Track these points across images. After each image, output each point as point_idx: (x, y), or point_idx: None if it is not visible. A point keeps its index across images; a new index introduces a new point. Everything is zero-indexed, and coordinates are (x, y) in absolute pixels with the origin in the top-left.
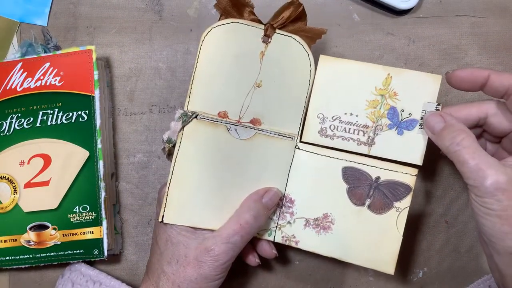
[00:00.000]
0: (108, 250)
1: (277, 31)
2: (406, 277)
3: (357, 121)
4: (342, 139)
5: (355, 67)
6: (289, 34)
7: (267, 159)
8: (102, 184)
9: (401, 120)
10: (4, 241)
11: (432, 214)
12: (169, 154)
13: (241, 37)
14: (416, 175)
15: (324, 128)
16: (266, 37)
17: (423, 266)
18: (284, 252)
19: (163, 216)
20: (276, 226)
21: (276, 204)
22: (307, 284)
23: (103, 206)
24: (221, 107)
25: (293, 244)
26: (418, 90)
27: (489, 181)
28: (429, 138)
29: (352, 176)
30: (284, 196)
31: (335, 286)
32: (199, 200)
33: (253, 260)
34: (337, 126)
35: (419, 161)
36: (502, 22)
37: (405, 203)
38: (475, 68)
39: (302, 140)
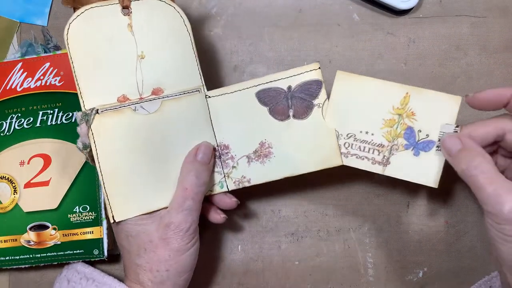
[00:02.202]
0: (108, 250)
1: None
2: (406, 277)
3: (372, 140)
4: (356, 157)
5: (373, 84)
6: None
7: (186, 120)
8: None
9: (418, 141)
10: (4, 241)
11: (432, 214)
12: (93, 159)
13: (102, 19)
14: (319, 68)
15: (338, 146)
16: (126, 9)
17: (423, 266)
18: (285, 252)
19: (113, 216)
20: (224, 176)
21: (211, 155)
22: (307, 284)
23: (103, 206)
24: (118, 93)
25: (247, 184)
26: (437, 111)
27: (508, 208)
28: (446, 160)
29: (267, 97)
30: (217, 145)
31: (334, 286)
32: (139, 186)
33: (217, 217)
34: (352, 144)
35: (434, 183)
36: (502, 22)
37: (322, 97)
38: (495, 89)
39: None
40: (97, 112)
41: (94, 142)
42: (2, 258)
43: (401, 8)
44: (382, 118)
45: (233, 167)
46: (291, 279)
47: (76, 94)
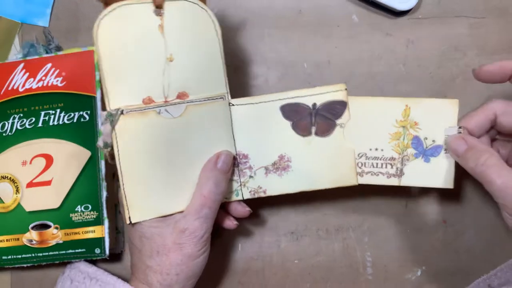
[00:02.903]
0: (110, 249)
1: None
2: (404, 275)
3: (383, 155)
4: (371, 174)
5: (373, 102)
6: None
7: (208, 127)
8: (104, 184)
9: (426, 147)
10: (6, 240)
11: (430, 214)
12: (112, 158)
13: (133, 18)
14: (346, 89)
15: (356, 166)
16: (158, 9)
17: (421, 265)
18: (284, 251)
19: (129, 217)
20: (240, 185)
21: (231, 165)
22: (307, 283)
23: (104, 205)
24: (143, 94)
25: (262, 195)
26: (438, 117)
27: None
28: (455, 160)
29: (291, 112)
30: (236, 154)
31: (333, 285)
32: (157, 189)
33: (230, 224)
34: (364, 163)
35: (449, 184)
36: (501, 23)
37: (345, 117)
38: (502, 61)
39: None
40: (122, 113)
41: (117, 142)
42: (4, 257)
43: (400, 9)
44: (388, 132)
45: (250, 176)
46: (291, 278)
47: (77, 94)
